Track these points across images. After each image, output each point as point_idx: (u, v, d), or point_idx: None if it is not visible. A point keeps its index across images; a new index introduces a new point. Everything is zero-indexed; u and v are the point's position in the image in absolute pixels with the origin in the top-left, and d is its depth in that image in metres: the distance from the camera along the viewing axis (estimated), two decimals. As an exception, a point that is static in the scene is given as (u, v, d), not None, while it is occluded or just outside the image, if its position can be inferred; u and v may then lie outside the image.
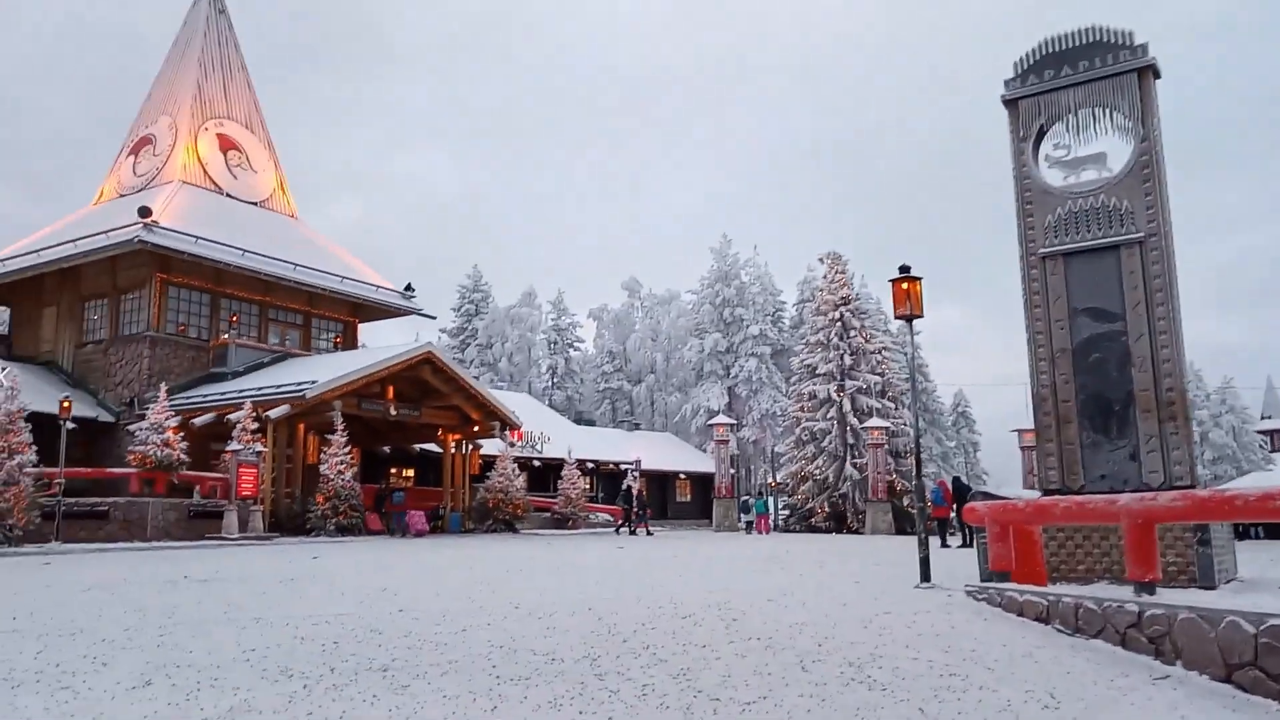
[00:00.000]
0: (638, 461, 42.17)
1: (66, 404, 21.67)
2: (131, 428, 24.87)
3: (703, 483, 46.45)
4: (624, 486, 37.82)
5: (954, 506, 21.82)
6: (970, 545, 20.10)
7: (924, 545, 9.78)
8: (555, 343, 67.37)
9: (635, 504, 31.45)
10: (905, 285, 9.94)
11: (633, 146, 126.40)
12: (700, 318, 59.66)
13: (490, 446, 33.05)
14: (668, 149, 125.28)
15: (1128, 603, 6.49)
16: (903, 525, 31.77)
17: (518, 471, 31.22)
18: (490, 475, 30.82)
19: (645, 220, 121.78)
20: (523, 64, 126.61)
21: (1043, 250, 9.83)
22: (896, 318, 10.16)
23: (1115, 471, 9.37)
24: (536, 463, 39.02)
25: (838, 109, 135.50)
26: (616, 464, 43.75)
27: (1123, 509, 7.12)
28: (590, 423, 53.76)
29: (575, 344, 69.16)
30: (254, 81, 36.88)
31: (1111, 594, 7.00)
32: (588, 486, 40.61)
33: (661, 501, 47.57)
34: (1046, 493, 9.45)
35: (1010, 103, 10.21)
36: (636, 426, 56.22)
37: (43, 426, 21.96)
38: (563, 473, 35.61)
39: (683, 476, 48.58)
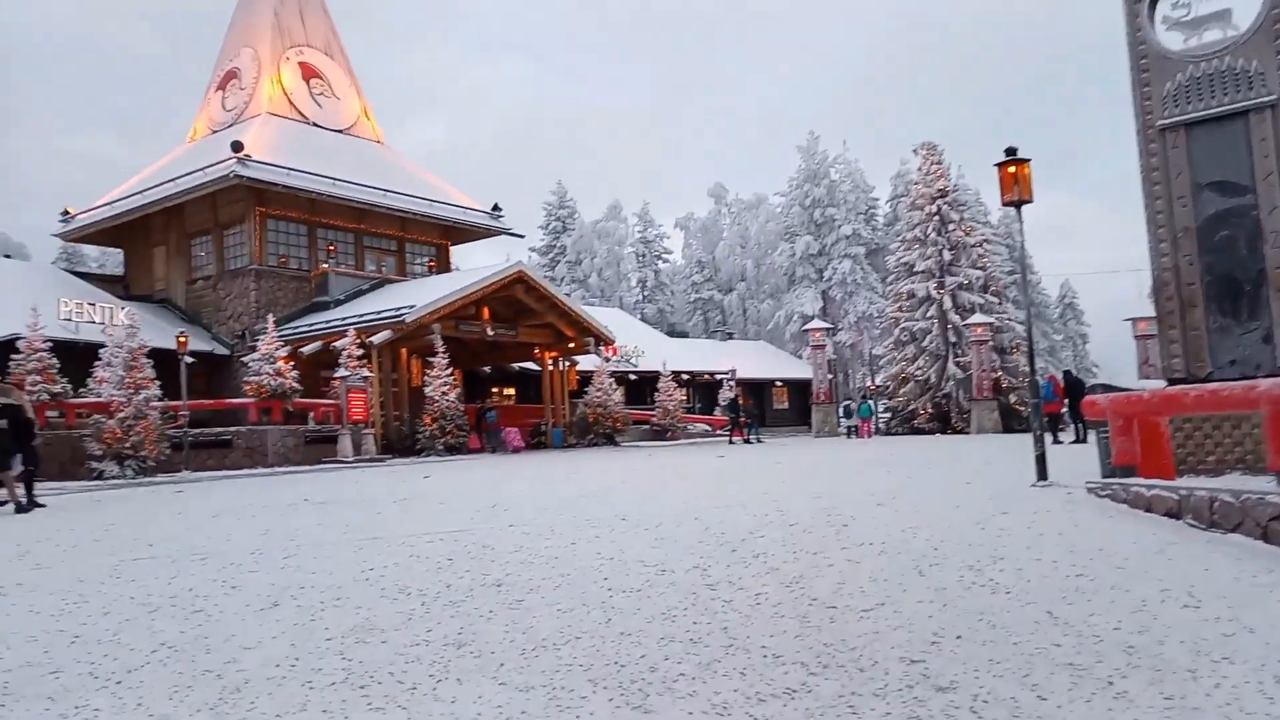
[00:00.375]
0: (733, 371, 42.00)
1: (183, 339, 22.67)
2: (245, 359, 25.92)
3: (800, 390, 46.12)
4: (725, 397, 37.84)
5: (1065, 401, 21.06)
6: (1084, 441, 19.43)
7: (1039, 442, 9.42)
8: (644, 255, 67.09)
9: (740, 413, 31.06)
10: (1013, 169, 9.35)
11: (711, 48, 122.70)
12: (790, 220, 58.34)
13: (586, 362, 33.35)
14: (747, 48, 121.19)
15: (1270, 494, 6.09)
16: (1010, 423, 30.98)
17: (615, 386, 31.50)
18: (588, 390, 31.21)
19: (729, 123, 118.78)
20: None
21: (1161, 122, 9.06)
22: (1004, 204, 9.60)
23: (1247, 356, 8.76)
24: (632, 376, 39.28)
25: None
26: (711, 374, 43.71)
27: (1263, 395, 6.64)
28: (683, 334, 53.72)
29: (664, 255, 68.73)
30: (330, 6, 36.88)
31: (1249, 485, 6.60)
32: (684, 398, 40.70)
33: (759, 410, 47.45)
34: (1171, 382, 8.92)
35: (1124, -41, 9.31)
36: (730, 336, 55.93)
37: (163, 361, 23.05)
38: (659, 385, 35.79)
39: (779, 384, 48.27)
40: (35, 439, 11.81)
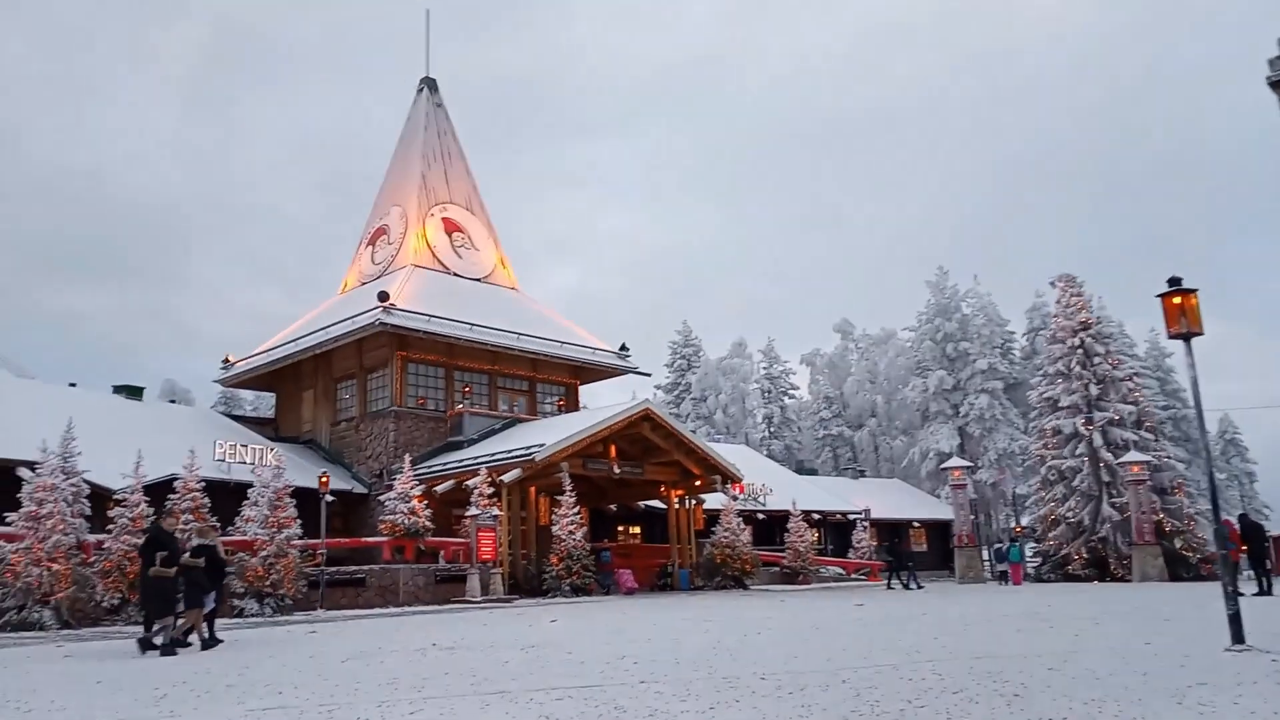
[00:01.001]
0: (867, 511, 40.42)
1: (325, 479, 23.42)
2: (381, 498, 26.52)
3: (939, 531, 43.85)
4: (859, 538, 36.18)
5: (1244, 548, 19.07)
6: (1269, 593, 17.41)
7: (1232, 600, 8.35)
8: (769, 391, 66.63)
9: (900, 557, 29.56)
10: (1178, 299, 8.70)
11: (832, 184, 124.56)
12: (921, 355, 57.04)
13: (713, 501, 32.69)
14: (869, 186, 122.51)
15: None
16: (1176, 571, 28.35)
17: (742, 525, 30.65)
18: (715, 530, 30.44)
19: (853, 258, 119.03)
20: (712, 112, 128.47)
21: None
22: (1171, 337, 8.88)
23: None
24: (761, 515, 38.26)
25: (1049, 115, 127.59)
26: (844, 514, 42.15)
27: None
28: (812, 472, 52.33)
29: (790, 391, 68.09)
30: (471, 166, 39.41)
31: None
32: (816, 538, 39.30)
33: (912, 554, 45.37)
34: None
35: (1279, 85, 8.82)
36: (861, 474, 54.13)
37: (306, 500, 23.84)
38: (789, 525, 34.68)
39: (916, 525, 46.08)
40: (225, 578, 12.35)
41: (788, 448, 64.93)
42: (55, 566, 16.02)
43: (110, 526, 18.18)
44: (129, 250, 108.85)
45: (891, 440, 60.33)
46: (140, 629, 11.64)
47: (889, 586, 27.84)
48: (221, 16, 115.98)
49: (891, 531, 44.69)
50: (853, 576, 38.02)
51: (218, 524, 17.51)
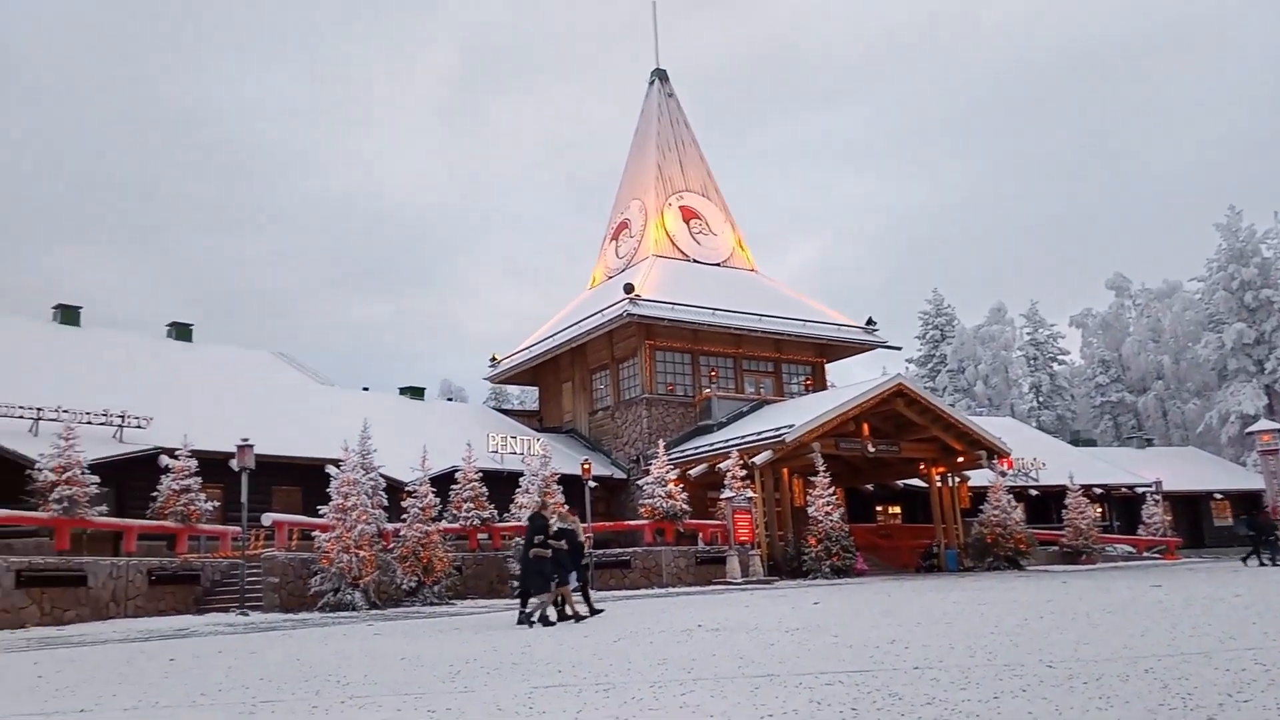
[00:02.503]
0: (1157, 483, 36.73)
1: (587, 465, 24.56)
2: (639, 482, 27.46)
3: (1244, 503, 38.99)
4: (1243, 514, 32.31)
5: None
6: None
7: None
8: (1035, 359, 62.20)
9: (1260, 531, 25.05)
10: None
11: (1095, 124, 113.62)
12: (1213, 307, 50.97)
13: (979, 477, 31.06)
14: (1141, 122, 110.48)
15: None
16: None
17: (1013, 503, 28.85)
18: (983, 508, 28.86)
19: (1125, 205, 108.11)
20: (953, 63, 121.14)
21: None
22: None
23: None
24: (1033, 491, 35.87)
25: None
26: (1130, 487, 38.55)
27: None
28: (1090, 442, 48.27)
29: (1058, 357, 63.23)
30: (704, 150, 39.71)
31: None
32: (1098, 515, 36.27)
33: (1194, 526, 40.84)
34: None
35: None
36: (1149, 442, 49.25)
37: (570, 486, 25.15)
38: (1067, 500, 32.25)
39: (1219, 496, 41.28)
40: (585, 559, 13.88)
41: (1060, 418, 60.32)
42: (361, 553, 17.91)
43: (404, 516, 20.07)
44: (403, 262, 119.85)
45: (1182, 404, 54.41)
46: (447, 607, 12.74)
47: (1244, 562, 24.48)
48: (468, 36, 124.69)
49: (1189, 504, 40.40)
50: (1144, 555, 34.71)
51: (575, 510, 18.89)
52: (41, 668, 9.06)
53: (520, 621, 12.11)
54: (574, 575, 12.87)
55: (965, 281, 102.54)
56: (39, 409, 21.26)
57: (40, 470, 17.85)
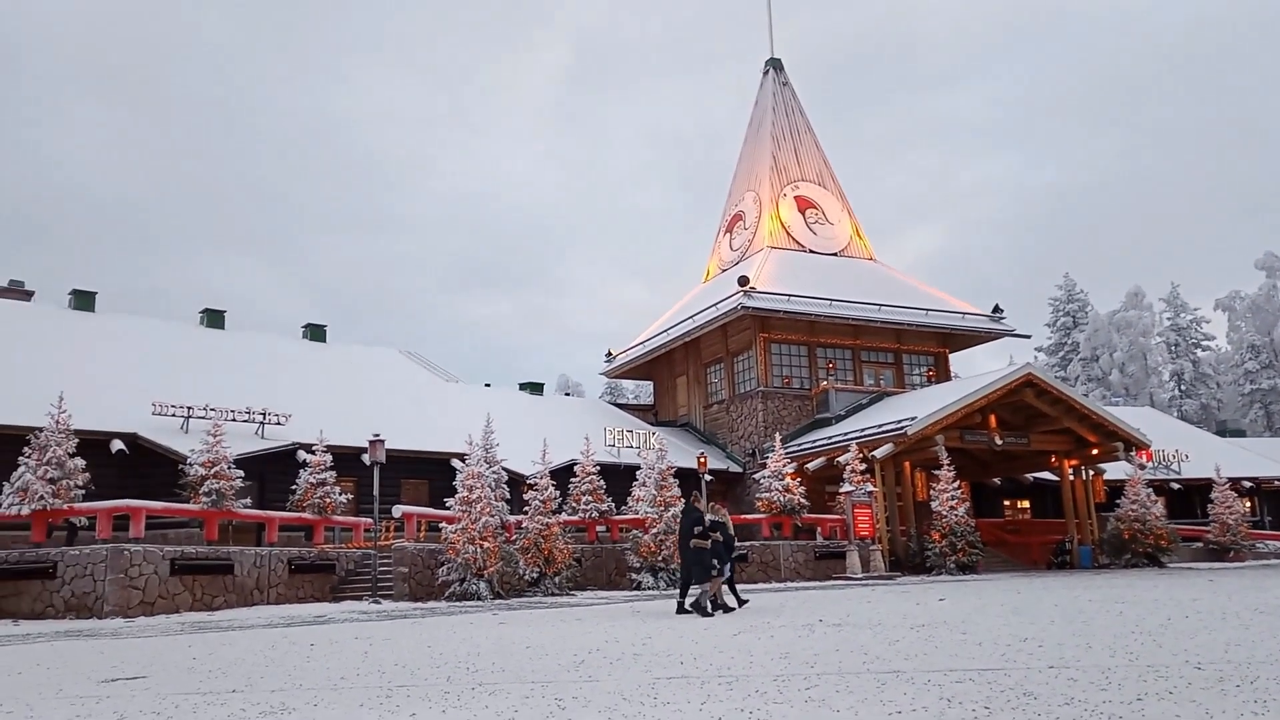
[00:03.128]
0: (1316, 476, 34.18)
1: (703, 459, 24.57)
2: (756, 476, 27.29)
3: None
4: None
5: None
6: None
7: None
8: (1176, 345, 58.81)
9: None
10: None
11: (1240, 92, 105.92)
12: (1380, 286, 47.03)
13: (1114, 470, 29.64)
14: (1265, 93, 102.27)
15: None
16: None
17: (1153, 497, 27.37)
18: (1120, 503, 27.49)
19: (1270, 179, 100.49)
20: (1079, 34, 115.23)
21: None
22: None
23: None
24: (1175, 485, 33.96)
25: None
26: (1285, 480, 36.00)
27: None
28: (1238, 433, 45.28)
29: (1202, 343, 59.63)
30: (820, 138, 39.06)
31: None
32: (1248, 509, 34.05)
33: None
34: None
35: None
36: (1305, 432, 45.78)
37: (687, 479, 25.21)
38: (1213, 495, 30.42)
39: (1391, 491, 38.08)
40: (735, 551, 14.24)
41: (1204, 407, 56.83)
42: (485, 544, 18.39)
43: (525, 508, 20.52)
44: (521, 261, 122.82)
45: (1344, 391, 50.41)
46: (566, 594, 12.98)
47: None
48: (580, 37, 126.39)
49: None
50: (1304, 553, 32.38)
51: (725, 503, 19.09)
52: (195, 650, 9.69)
53: (680, 610, 12.44)
54: (727, 567, 13.28)
55: (1100, 266, 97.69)
56: (189, 407, 22.68)
57: (191, 465, 19.05)
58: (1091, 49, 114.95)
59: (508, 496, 20.78)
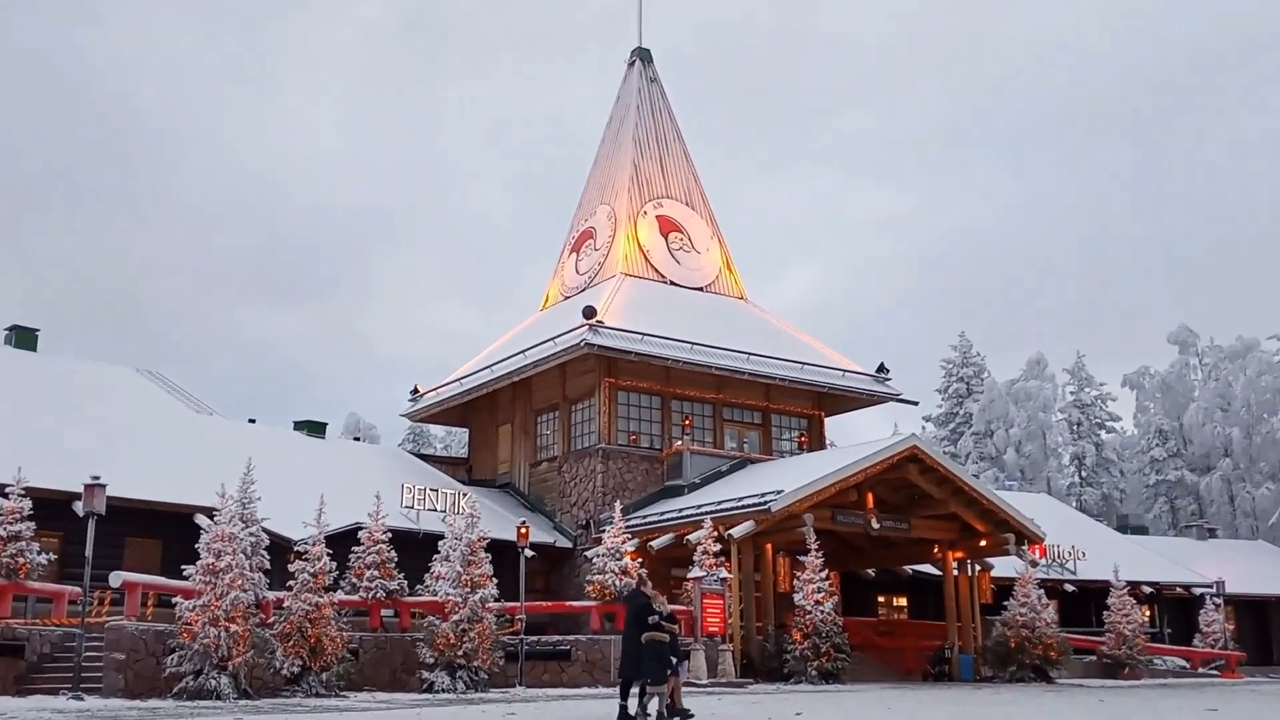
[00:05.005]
0: (1219, 583, 37.17)
1: (524, 530, 24.36)
2: (588, 553, 27.29)
3: (1325, 612, 39.67)
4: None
5: None
6: None
7: None
8: (1079, 424, 63.12)
9: None
10: None
11: (1158, 145, 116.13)
12: (1295, 373, 52.08)
13: (1003, 566, 31.32)
14: (1212, 145, 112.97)
15: None
16: None
17: (1044, 600, 29.04)
18: (1008, 604, 29.02)
19: (1193, 243, 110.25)
20: (988, 63, 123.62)
21: None
22: None
23: None
24: (1069, 587, 36.21)
25: None
26: (1186, 587, 39.04)
27: None
28: (1140, 530, 48.89)
29: (1107, 423, 64.27)
30: (690, 150, 40.09)
31: None
32: (1147, 618, 36.63)
33: (1263, 638, 41.39)
34: None
35: None
36: (1211, 533, 49.99)
37: (502, 554, 24.93)
38: (1109, 600, 32.55)
39: (1292, 603, 41.91)
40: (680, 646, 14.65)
41: (1105, 497, 61.06)
42: (233, 627, 17.52)
43: (291, 583, 19.74)
44: (314, 266, 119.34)
45: (1255, 489, 55.27)
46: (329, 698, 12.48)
47: None
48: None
49: (1255, 610, 40.92)
50: (1200, 671, 35.01)
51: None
52: None
53: (624, 717, 12.85)
54: (684, 666, 13.99)
55: (1000, 326, 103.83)
56: None
57: None
58: (1004, 81, 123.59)
59: (267, 566, 19.93)
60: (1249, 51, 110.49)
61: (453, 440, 61.61)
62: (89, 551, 17.93)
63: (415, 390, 39.37)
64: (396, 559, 23.24)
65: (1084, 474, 61.92)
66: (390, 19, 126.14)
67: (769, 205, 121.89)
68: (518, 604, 23.35)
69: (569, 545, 31.27)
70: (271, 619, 19.53)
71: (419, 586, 23.58)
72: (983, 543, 29.74)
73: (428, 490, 28.95)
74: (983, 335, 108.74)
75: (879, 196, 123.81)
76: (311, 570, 19.46)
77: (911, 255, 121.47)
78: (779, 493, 26.11)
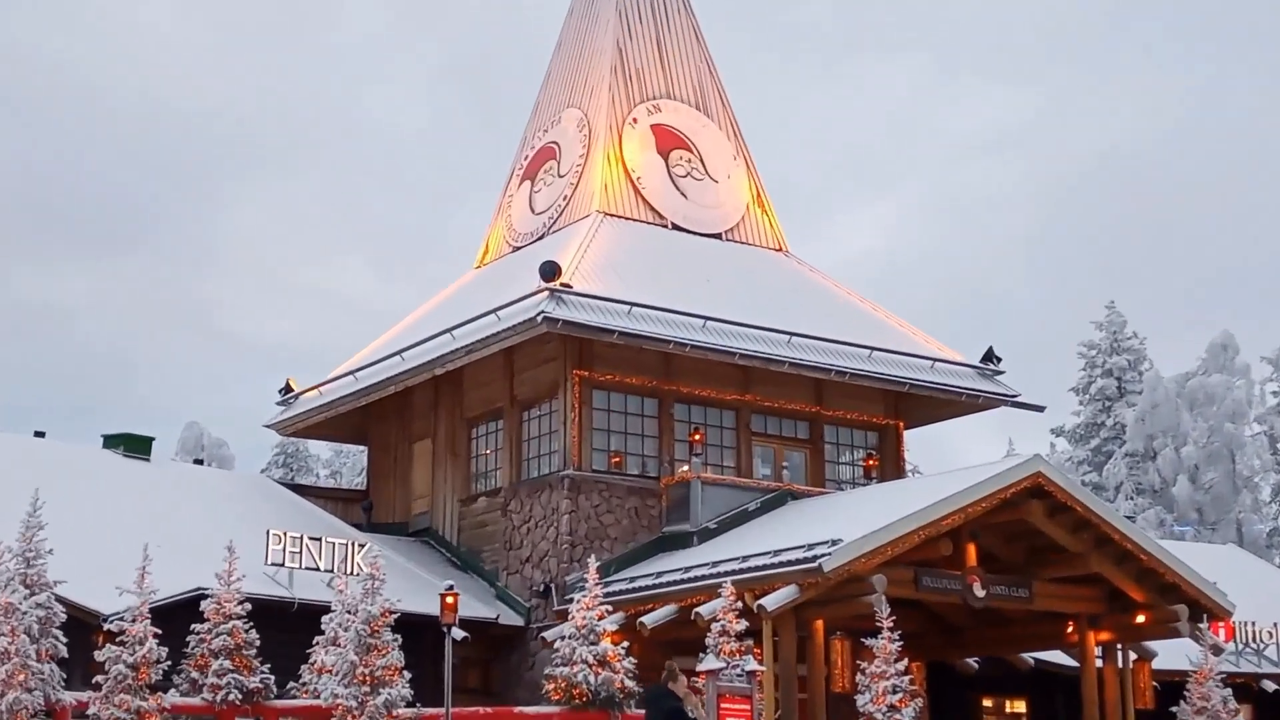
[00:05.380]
0: None
1: (452, 598, 24.34)
2: (548, 634, 27.26)
3: None
4: None
5: None
6: None
7: None
8: (1287, 440, 63.17)
9: None
10: None
11: None
12: None
13: (1171, 653, 31.34)
14: None
15: None
16: None
17: (1233, 705, 29.11)
18: (1178, 711, 29.09)
19: None
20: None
21: None
22: None
23: None
24: (1270, 685, 36.21)
25: None
26: None
27: None
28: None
29: (1331, 439, 64.26)
30: (703, 30, 39.82)
31: None
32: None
33: None
34: None
35: None
36: None
37: (418, 635, 24.89)
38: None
39: None
40: None
41: (1325, 549, 61.21)
42: (13, 744, 17.53)
43: (100, 678, 19.69)
44: (123, 206, 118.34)
45: None
46: None
47: None
48: None
49: None
50: None
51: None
52: None
53: None
54: None
55: (1164, 294, 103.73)
56: None
57: None
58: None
59: (64, 654, 19.95)
60: None
61: (344, 464, 61.66)
62: None
63: (287, 388, 39.18)
64: (259, 642, 23.17)
65: (1297, 517, 62.14)
66: None
67: (822, 118, 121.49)
68: (441, 710, 23.33)
69: (519, 622, 31.23)
70: (71, 732, 19.53)
71: (293, 684, 23.55)
72: (1140, 618, 29.74)
73: (306, 540, 28.85)
74: (1141, 306, 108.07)
75: (985, 104, 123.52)
76: (130, 660, 19.45)
77: (1030, 189, 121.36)
78: (835, 543, 26.06)
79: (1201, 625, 29.88)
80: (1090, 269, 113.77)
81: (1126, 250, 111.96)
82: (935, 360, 35.44)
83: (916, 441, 37.50)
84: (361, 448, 40.53)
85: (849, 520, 27.43)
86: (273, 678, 23.26)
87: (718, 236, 36.99)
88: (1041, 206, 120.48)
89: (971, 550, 28.06)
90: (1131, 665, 30.82)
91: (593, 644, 25.46)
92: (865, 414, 35.54)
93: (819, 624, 28.16)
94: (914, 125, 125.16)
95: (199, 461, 48.68)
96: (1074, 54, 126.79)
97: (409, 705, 22.01)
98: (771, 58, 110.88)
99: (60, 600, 20.48)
